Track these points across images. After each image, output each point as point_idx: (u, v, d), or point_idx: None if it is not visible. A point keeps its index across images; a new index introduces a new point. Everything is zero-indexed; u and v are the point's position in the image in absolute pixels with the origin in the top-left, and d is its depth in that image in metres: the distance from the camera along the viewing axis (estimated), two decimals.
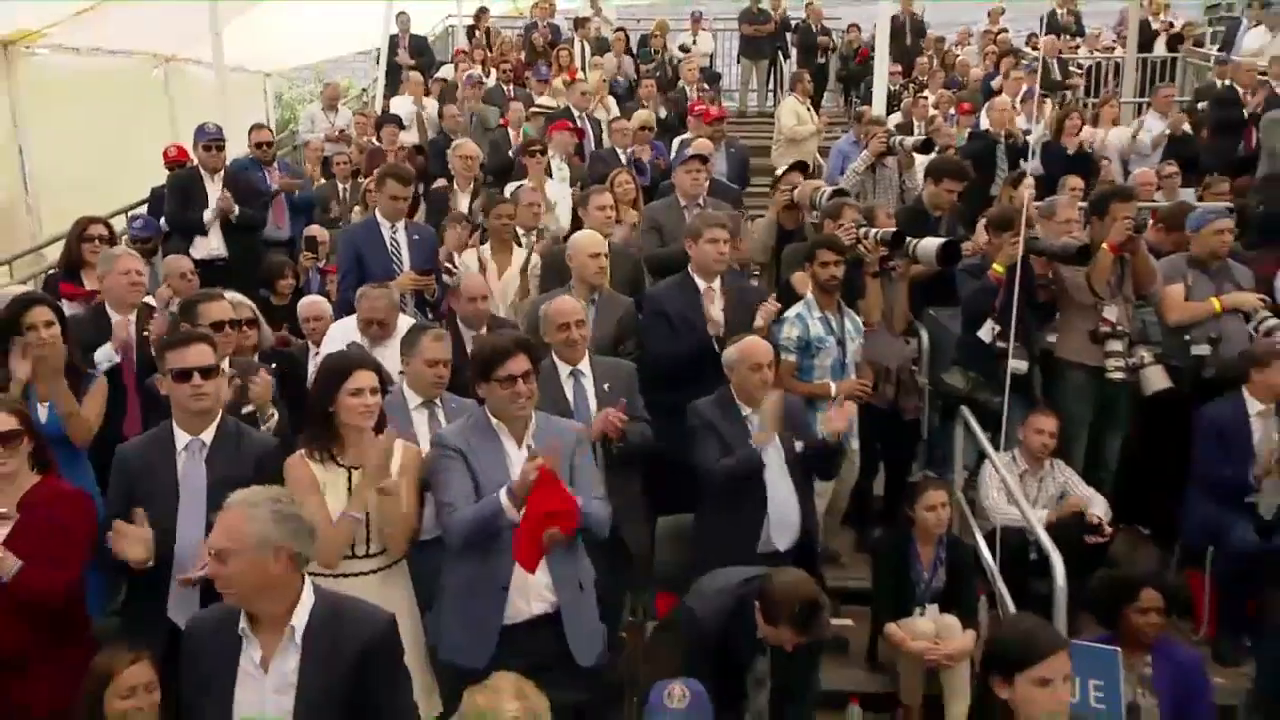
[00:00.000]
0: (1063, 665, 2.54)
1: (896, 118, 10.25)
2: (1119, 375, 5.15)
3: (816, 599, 3.50)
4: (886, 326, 5.43)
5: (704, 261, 4.89)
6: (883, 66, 8.88)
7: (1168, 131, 8.92)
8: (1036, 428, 5.02)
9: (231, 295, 4.99)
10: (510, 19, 15.76)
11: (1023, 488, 4.99)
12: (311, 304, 5.70)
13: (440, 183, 7.92)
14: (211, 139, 7.08)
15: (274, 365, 4.57)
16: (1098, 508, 4.90)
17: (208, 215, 6.94)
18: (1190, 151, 8.86)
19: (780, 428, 4.18)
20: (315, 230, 7.36)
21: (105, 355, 4.53)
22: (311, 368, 4.98)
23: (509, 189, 6.99)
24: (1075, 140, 8.42)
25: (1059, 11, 13.96)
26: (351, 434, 3.37)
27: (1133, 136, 9.07)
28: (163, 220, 7.25)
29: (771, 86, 14.28)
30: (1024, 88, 10.14)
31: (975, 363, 5.26)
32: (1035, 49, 12.37)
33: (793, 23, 14.40)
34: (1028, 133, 9.02)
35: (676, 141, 8.57)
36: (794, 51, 14.24)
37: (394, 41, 12.60)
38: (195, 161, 7.22)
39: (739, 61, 14.59)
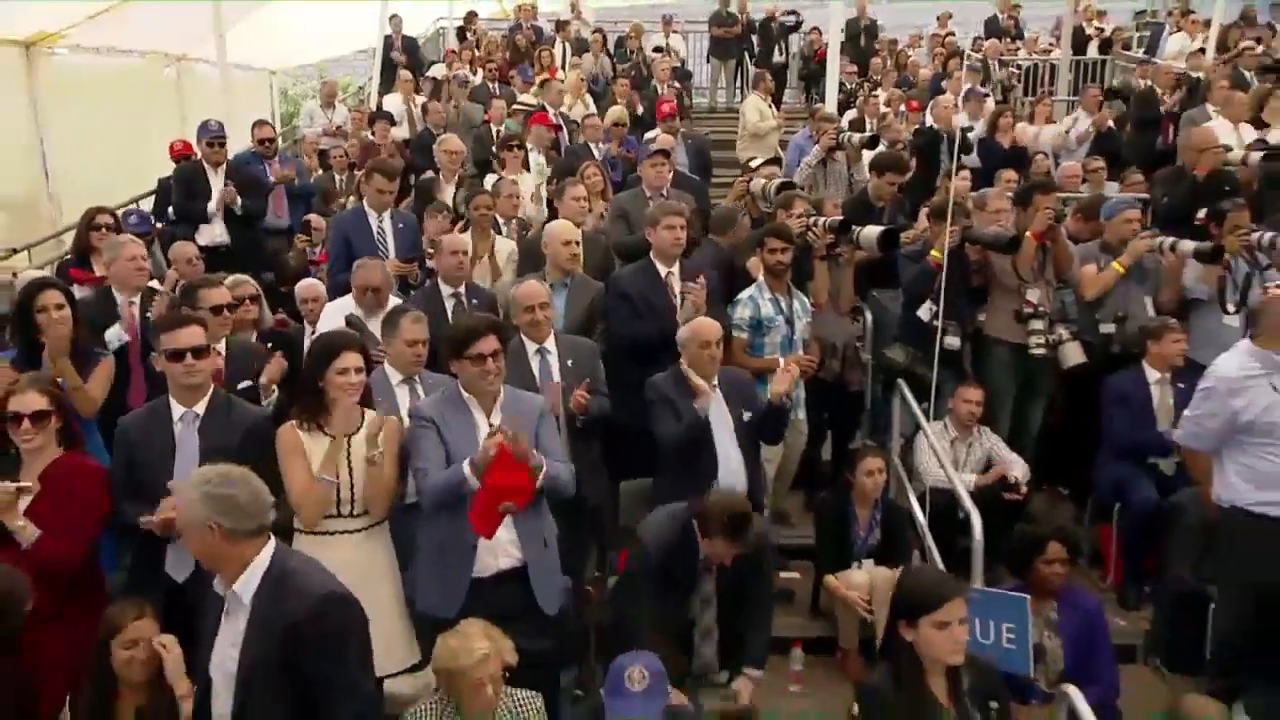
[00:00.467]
0: (959, 610, 2.62)
1: (852, 114, 10.26)
2: (1040, 351, 5.21)
3: (745, 511, 3.59)
4: (834, 307, 5.46)
5: (663, 247, 4.91)
6: (834, 66, 8.85)
7: (1093, 128, 8.96)
8: (964, 398, 5.12)
9: (237, 276, 5.02)
10: (498, 20, 15.63)
11: (953, 452, 5.10)
12: (309, 286, 5.68)
13: (428, 174, 7.90)
14: (214, 136, 7.06)
15: (269, 345, 4.59)
16: (1017, 470, 5.01)
17: (211, 206, 6.93)
18: (1114, 146, 8.91)
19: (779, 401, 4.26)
20: (312, 217, 7.35)
21: (115, 336, 4.54)
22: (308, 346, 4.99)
23: (489, 181, 6.98)
24: (1009, 136, 8.45)
25: (1000, 16, 13.97)
26: (337, 406, 3.41)
27: (1065, 132, 9.10)
28: (170, 209, 7.22)
29: (739, 84, 14.24)
30: (966, 86, 10.15)
31: (915, 340, 5.31)
32: (979, 51, 12.39)
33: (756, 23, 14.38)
34: (969, 129, 9.04)
35: (648, 137, 8.56)
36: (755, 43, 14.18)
37: (388, 42, 12.48)
38: (199, 155, 7.20)
39: (708, 61, 14.54)
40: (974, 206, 5.75)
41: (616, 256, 5.85)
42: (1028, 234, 5.19)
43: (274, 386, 4.21)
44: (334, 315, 4.88)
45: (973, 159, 8.44)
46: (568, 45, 12.87)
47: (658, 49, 13.43)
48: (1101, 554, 5.11)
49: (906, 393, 5.20)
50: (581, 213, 5.89)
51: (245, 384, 4.09)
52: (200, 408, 3.56)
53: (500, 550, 3.40)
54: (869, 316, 5.84)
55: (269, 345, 4.61)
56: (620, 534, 4.55)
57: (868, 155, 7.15)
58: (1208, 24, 11.47)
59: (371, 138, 9.12)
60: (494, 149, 8.10)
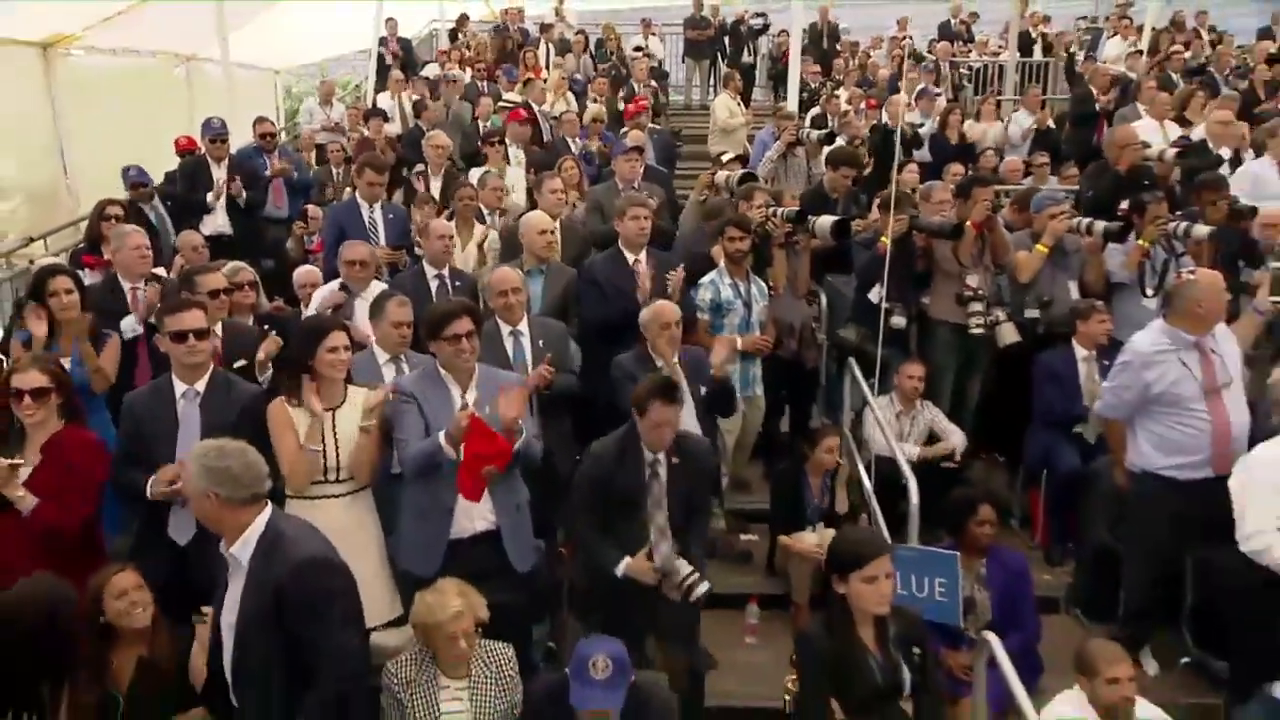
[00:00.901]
0: (884, 566, 2.68)
1: (815, 112, 10.24)
2: (979, 331, 5.26)
3: (673, 379, 3.59)
4: (792, 290, 5.48)
5: (629, 236, 4.92)
6: (796, 65, 8.85)
7: (1035, 126, 8.99)
8: (908, 374, 5.17)
9: (235, 263, 5.00)
10: (488, 23, 15.47)
11: (898, 424, 5.15)
12: (307, 272, 5.68)
13: (419, 168, 7.85)
14: (216, 133, 7.06)
15: (264, 326, 4.58)
16: (955, 439, 5.07)
17: (210, 197, 6.94)
18: (1055, 142, 8.95)
19: (721, 372, 4.29)
20: (310, 208, 7.33)
21: (129, 325, 4.54)
22: None
23: (474, 174, 6.96)
24: (956, 133, 8.47)
25: (952, 20, 13.96)
26: (325, 383, 3.43)
27: (1005, 130, 9.14)
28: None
29: (712, 83, 14.18)
30: (920, 86, 10.16)
31: (867, 321, 5.34)
32: (932, 53, 12.38)
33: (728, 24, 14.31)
34: (920, 125, 9.07)
35: (623, 133, 8.52)
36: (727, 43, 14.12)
37: (383, 43, 12.35)
38: (203, 150, 7.16)
39: (684, 61, 14.48)
40: (920, 198, 5.79)
41: (592, 245, 5.86)
42: (968, 223, 5.23)
43: (269, 364, 4.20)
44: (323, 295, 4.89)
45: (924, 154, 8.48)
46: (551, 46, 12.78)
47: (638, 49, 13.36)
48: (1031, 516, 5.19)
49: (856, 370, 5.25)
50: (559, 204, 5.88)
51: (240, 363, 4.09)
52: (201, 385, 3.58)
53: (476, 515, 3.43)
54: (824, 300, 5.86)
55: (264, 327, 4.61)
56: None
57: (825, 151, 7.17)
58: (1140, 29, 11.52)
59: (367, 133, 9.04)
60: (479, 143, 8.07)
